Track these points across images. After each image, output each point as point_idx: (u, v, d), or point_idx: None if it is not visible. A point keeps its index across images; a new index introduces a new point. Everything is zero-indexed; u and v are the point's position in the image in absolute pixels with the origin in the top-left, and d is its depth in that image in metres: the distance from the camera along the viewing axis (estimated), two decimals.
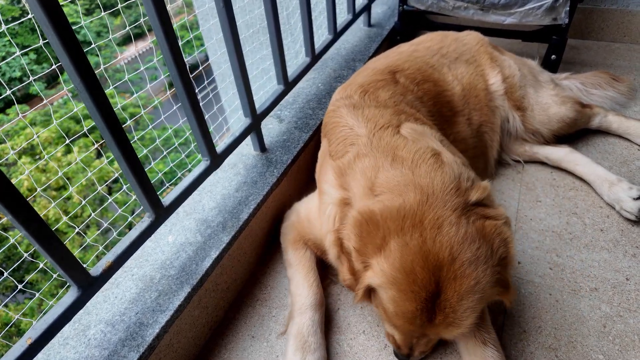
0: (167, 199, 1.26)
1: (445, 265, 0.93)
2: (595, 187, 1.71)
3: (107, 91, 1.04)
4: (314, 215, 1.41)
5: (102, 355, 1.06)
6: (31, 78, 1.14)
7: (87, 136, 8.34)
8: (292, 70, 1.91)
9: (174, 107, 1.61)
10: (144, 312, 1.15)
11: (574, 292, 1.40)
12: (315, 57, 2.00)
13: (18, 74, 12.08)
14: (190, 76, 1.23)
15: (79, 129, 9.70)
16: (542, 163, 1.89)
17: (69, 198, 8.16)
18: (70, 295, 1.00)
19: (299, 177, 1.80)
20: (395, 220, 0.98)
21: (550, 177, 1.84)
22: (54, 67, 1.16)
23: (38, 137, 8.08)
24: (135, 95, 1.65)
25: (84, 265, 1.02)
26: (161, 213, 1.22)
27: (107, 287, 1.22)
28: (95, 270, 1.06)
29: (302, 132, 1.81)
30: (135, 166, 1.10)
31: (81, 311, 1.14)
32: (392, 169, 1.10)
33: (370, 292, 1.09)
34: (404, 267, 0.94)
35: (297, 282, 1.39)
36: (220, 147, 1.46)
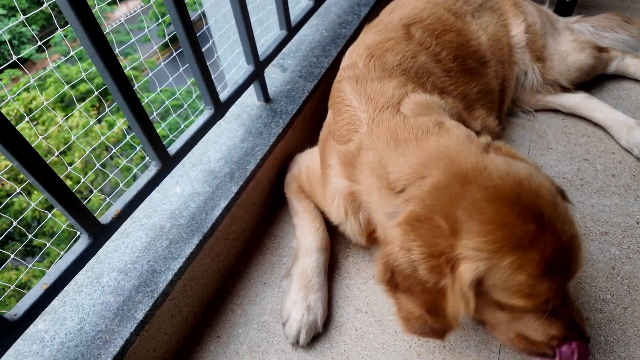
0: (172, 148, 1.23)
1: (528, 197, 0.82)
2: (612, 132, 1.67)
3: None
4: (315, 180, 1.36)
5: (117, 301, 1.07)
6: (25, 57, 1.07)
7: (85, 100, 8.20)
8: (295, 15, 1.82)
9: (174, 55, 1.54)
10: (156, 260, 1.15)
11: (584, 236, 1.40)
12: (318, 1, 1.90)
13: (7, 36, 11.70)
14: (191, 19, 1.17)
15: (76, 94, 9.52)
16: (555, 111, 1.84)
17: (71, 164, 8.14)
18: (82, 243, 1.00)
19: (305, 128, 1.76)
20: (443, 198, 0.85)
21: (562, 124, 1.79)
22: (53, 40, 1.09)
23: (40, 101, 7.92)
24: (141, 57, 1.57)
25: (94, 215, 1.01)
26: (167, 162, 1.19)
27: (117, 237, 1.21)
28: (104, 219, 1.04)
29: (307, 81, 1.75)
30: (140, 116, 1.06)
31: (93, 260, 1.15)
32: (400, 156, 0.99)
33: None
34: (496, 223, 0.79)
35: (303, 227, 1.39)
36: (223, 95, 1.42)
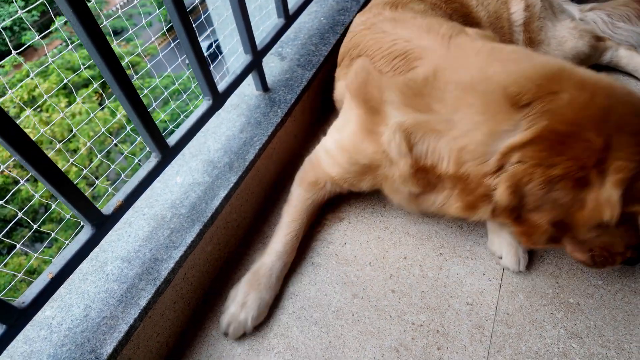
0: (172, 139, 1.25)
1: None
2: None
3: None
4: (352, 143, 1.27)
5: (121, 289, 1.11)
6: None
7: (88, 86, 8.20)
8: (292, 3, 1.81)
9: (172, 46, 1.55)
10: (158, 249, 1.19)
11: None
12: None
13: (8, 23, 11.64)
14: (187, 9, 1.17)
15: (78, 80, 9.50)
16: None
17: (75, 150, 8.20)
18: (85, 233, 1.03)
19: (304, 118, 1.77)
20: (589, 112, 0.87)
21: None
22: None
23: (44, 88, 7.93)
24: (139, 48, 1.58)
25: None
26: (167, 153, 1.22)
27: (120, 226, 1.25)
28: (107, 209, 1.08)
29: (305, 70, 1.76)
30: (138, 107, 1.08)
31: (97, 249, 1.19)
32: (510, 74, 0.95)
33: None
34: None
35: (282, 223, 1.41)
36: (221, 85, 1.43)
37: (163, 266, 1.15)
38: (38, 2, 1.34)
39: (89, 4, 0.90)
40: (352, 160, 1.30)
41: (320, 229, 1.50)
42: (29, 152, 0.86)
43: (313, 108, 1.83)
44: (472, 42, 1.09)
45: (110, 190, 1.45)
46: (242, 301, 1.25)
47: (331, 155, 1.38)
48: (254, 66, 1.55)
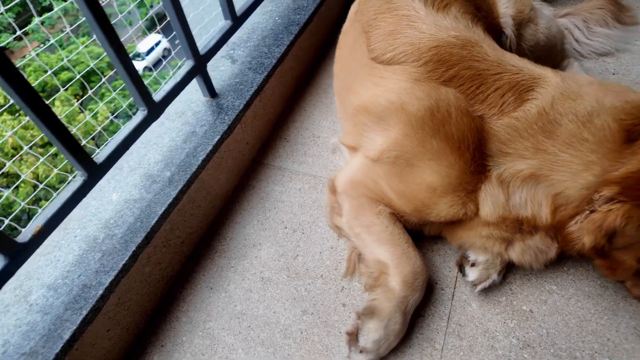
0: (100, 155, 1.17)
1: None
2: None
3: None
4: (417, 195, 1.13)
5: (44, 320, 1.03)
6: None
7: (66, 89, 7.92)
8: (242, 3, 1.73)
9: None
10: (88, 274, 1.11)
11: None
12: None
13: None
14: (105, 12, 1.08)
15: (55, 85, 9.20)
16: None
17: (56, 154, 7.93)
18: None
19: (256, 124, 1.70)
20: None
21: None
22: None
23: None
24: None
25: (8, 235, 0.96)
26: (95, 171, 1.14)
27: (49, 250, 1.17)
28: (23, 237, 0.99)
29: (257, 73, 1.68)
30: (57, 128, 1.00)
31: (22, 276, 1.12)
32: (619, 102, 0.95)
33: None
34: None
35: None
36: (158, 94, 1.34)
37: (91, 293, 1.07)
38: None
39: None
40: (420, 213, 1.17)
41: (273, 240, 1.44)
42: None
43: (266, 113, 1.75)
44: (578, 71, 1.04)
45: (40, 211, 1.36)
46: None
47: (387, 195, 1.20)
48: (197, 72, 1.47)
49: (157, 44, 12.90)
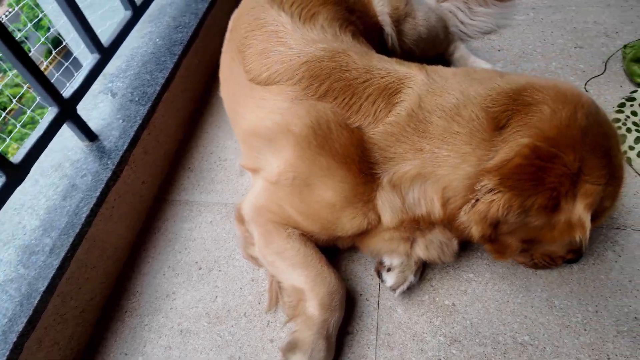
0: None
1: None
2: None
3: None
4: (318, 214, 1.09)
5: None
6: None
7: None
8: (109, 32, 1.56)
9: None
10: None
11: None
12: (137, 8, 1.65)
13: None
14: None
15: None
16: None
17: None
18: None
19: (149, 159, 1.55)
20: (569, 131, 0.87)
21: None
22: None
23: None
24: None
25: None
26: None
27: None
28: None
29: (140, 104, 1.54)
30: None
31: None
32: (488, 90, 0.95)
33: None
34: (605, 157, 0.89)
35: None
36: (19, 153, 1.17)
37: None
38: None
39: None
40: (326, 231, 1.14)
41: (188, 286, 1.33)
42: None
43: (160, 146, 1.61)
44: (441, 69, 1.04)
45: None
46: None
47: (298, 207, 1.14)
48: (65, 119, 1.31)
49: None
